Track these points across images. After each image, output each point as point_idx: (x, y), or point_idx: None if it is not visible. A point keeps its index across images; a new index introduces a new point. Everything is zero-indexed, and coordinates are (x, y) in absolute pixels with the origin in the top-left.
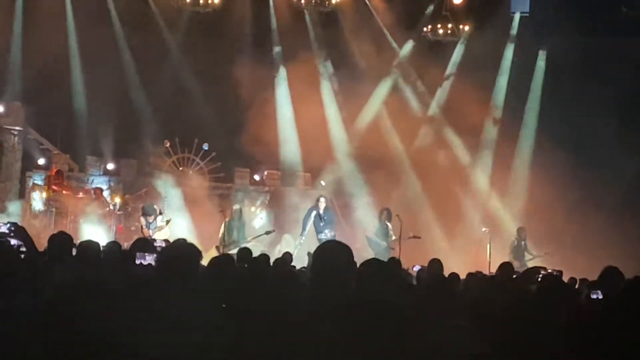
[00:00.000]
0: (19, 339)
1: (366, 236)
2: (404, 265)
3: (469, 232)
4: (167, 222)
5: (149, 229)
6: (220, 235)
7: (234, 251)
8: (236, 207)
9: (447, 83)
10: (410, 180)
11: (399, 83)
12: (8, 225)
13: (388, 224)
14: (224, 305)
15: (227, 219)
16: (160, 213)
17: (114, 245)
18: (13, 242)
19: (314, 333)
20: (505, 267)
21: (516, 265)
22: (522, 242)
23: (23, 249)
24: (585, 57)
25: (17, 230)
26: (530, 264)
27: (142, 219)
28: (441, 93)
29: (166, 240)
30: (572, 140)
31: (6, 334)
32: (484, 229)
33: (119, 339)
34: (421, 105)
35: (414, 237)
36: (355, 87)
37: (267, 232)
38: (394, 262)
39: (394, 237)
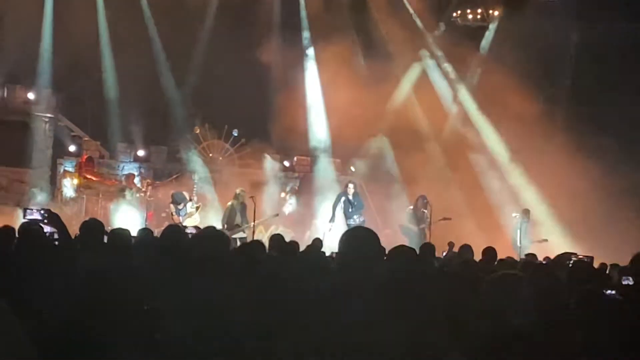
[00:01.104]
0: (54, 322)
1: (399, 225)
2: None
3: (499, 217)
4: (197, 208)
5: (179, 215)
6: (223, 218)
7: (237, 235)
8: (238, 190)
9: (477, 67)
10: (441, 164)
11: (428, 66)
12: (42, 212)
13: (424, 210)
14: (252, 292)
15: (230, 203)
16: (190, 199)
17: (145, 232)
18: (47, 229)
19: (343, 318)
20: (532, 256)
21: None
22: (525, 224)
23: (56, 235)
24: (619, 41)
25: (51, 216)
26: (527, 250)
27: (172, 206)
28: (472, 76)
29: (196, 227)
30: (602, 123)
31: (42, 317)
32: (514, 215)
33: (150, 323)
34: (451, 89)
35: (445, 219)
36: (385, 71)
37: (275, 216)
38: (428, 248)
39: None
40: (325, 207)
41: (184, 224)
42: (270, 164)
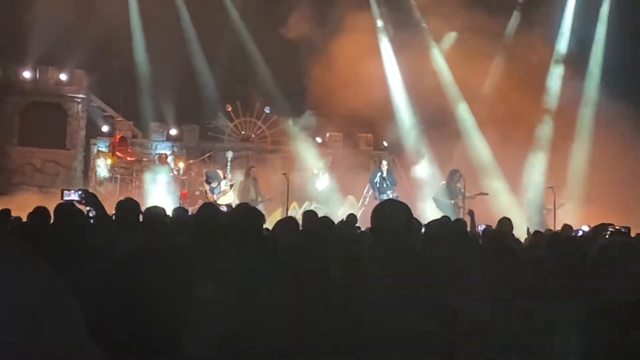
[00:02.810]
0: (92, 302)
1: (433, 198)
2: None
3: (533, 189)
4: (231, 186)
5: (213, 193)
6: (238, 196)
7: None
8: (248, 166)
9: (509, 37)
10: (474, 137)
11: (460, 41)
12: (80, 192)
13: (458, 185)
14: (285, 269)
15: (241, 180)
16: (224, 177)
17: (180, 210)
18: (84, 208)
19: (375, 291)
20: (567, 227)
21: (537, 220)
22: (539, 196)
23: (92, 214)
24: None
25: (89, 196)
26: (549, 217)
27: (206, 185)
28: (503, 48)
29: (229, 205)
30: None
31: (80, 297)
32: (549, 186)
33: (186, 301)
34: (482, 63)
35: (481, 194)
36: (415, 45)
37: (269, 199)
38: (460, 222)
39: (467, 195)
40: (359, 182)
41: (218, 202)
42: (302, 140)
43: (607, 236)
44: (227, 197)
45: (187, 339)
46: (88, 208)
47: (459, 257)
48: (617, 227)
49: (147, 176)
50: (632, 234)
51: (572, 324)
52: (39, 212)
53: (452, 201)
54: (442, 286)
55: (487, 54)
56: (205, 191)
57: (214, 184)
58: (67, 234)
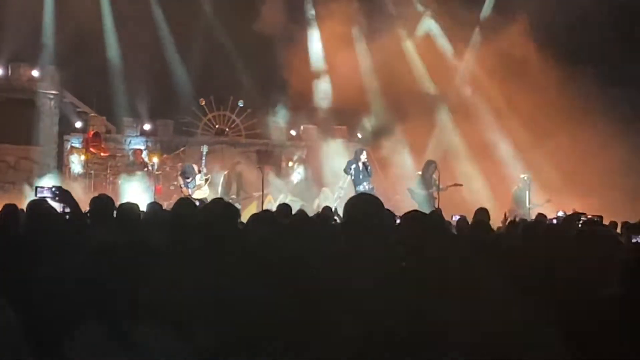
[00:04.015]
0: (64, 297)
1: (408, 188)
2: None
3: (508, 179)
4: (207, 180)
5: (187, 188)
6: (220, 188)
7: None
8: (235, 161)
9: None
10: (448, 128)
11: (432, 29)
12: (53, 189)
13: (434, 176)
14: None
15: (225, 172)
16: (199, 172)
17: (154, 206)
18: (58, 205)
19: (352, 285)
20: (541, 216)
21: (519, 213)
22: (524, 192)
23: (67, 210)
24: None
25: (62, 193)
26: (533, 212)
27: (180, 179)
28: (476, 36)
29: (203, 200)
30: (615, 77)
31: (52, 292)
32: (522, 176)
33: (158, 296)
34: (455, 51)
35: (455, 184)
36: (387, 35)
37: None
38: (437, 214)
39: (441, 187)
40: (333, 175)
41: (192, 196)
42: (276, 133)
43: (579, 225)
44: (202, 191)
45: (159, 334)
46: (62, 205)
47: (434, 249)
48: (589, 216)
49: (121, 172)
50: (606, 222)
51: (544, 318)
52: (8, 210)
53: (427, 192)
54: (415, 279)
55: (462, 39)
56: (180, 185)
57: (189, 179)
58: (40, 231)
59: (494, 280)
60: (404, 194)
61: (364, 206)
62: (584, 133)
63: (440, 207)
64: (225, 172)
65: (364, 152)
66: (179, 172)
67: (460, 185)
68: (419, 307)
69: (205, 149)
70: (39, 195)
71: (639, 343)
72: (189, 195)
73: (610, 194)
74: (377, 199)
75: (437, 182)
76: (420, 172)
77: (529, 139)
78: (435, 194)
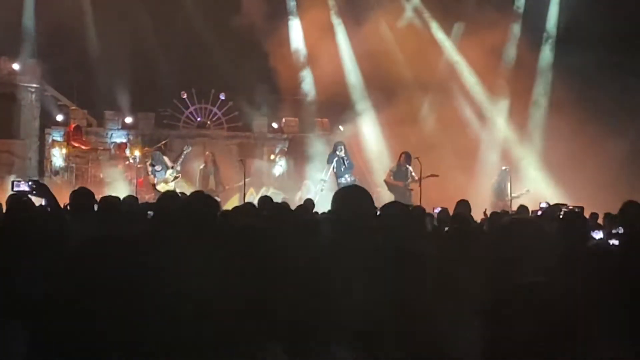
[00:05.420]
0: (43, 292)
1: (384, 180)
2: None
3: (488, 170)
4: (175, 178)
5: (154, 176)
6: (197, 182)
7: None
8: (208, 153)
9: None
10: (428, 120)
11: (414, 20)
12: (30, 183)
13: (408, 167)
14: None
15: (202, 166)
16: (173, 167)
17: (131, 199)
18: (35, 200)
19: (338, 278)
20: (523, 208)
21: (499, 205)
22: (503, 184)
23: (44, 204)
24: None
25: (39, 187)
26: (514, 203)
27: (149, 166)
28: (458, 28)
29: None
30: (590, 71)
31: (33, 287)
32: (504, 167)
33: (140, 291)
34: (436, 44)
35: (432, 175)
36: (370, 25)
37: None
38: (418, 208)
39: (416, 179)
40: (315, 167)
41: (156, 187)
42: (258, 126)
43: (560, 216)
44: (167, 186)
45: (142, 329)
46: (41, 200)
47: (415, 242)
48: (570, 207)
49: (103, 165)
50: (586, 214)
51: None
52: None
53: (403, 184)
54: (398, 271)
55: (443, 28)
56: (148, 172)
57: (157, 167)
58: (18, 225)
59: (464, 271)
60: (383, 186)
61: (354, 197)
62: (568, 126)
63: (420, 199)
64: (201, 167)
65: (341, 147)
66: (150, 160)
67: (437, 176)
68: (401, 296)
69: (188, 149)
70: (15, 189)
71: (557, 330)
72: (155, 183)
73: (595, 186)
74: (366, 191)
75: (412, 173)
76: (395, 165)
77: (513, 130)
78: (410, 186)
